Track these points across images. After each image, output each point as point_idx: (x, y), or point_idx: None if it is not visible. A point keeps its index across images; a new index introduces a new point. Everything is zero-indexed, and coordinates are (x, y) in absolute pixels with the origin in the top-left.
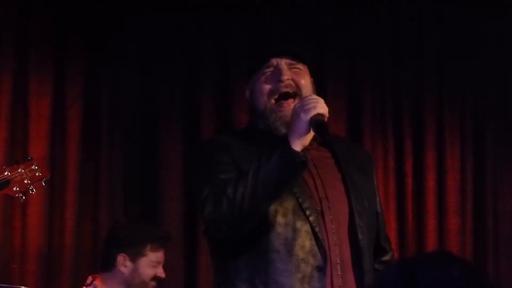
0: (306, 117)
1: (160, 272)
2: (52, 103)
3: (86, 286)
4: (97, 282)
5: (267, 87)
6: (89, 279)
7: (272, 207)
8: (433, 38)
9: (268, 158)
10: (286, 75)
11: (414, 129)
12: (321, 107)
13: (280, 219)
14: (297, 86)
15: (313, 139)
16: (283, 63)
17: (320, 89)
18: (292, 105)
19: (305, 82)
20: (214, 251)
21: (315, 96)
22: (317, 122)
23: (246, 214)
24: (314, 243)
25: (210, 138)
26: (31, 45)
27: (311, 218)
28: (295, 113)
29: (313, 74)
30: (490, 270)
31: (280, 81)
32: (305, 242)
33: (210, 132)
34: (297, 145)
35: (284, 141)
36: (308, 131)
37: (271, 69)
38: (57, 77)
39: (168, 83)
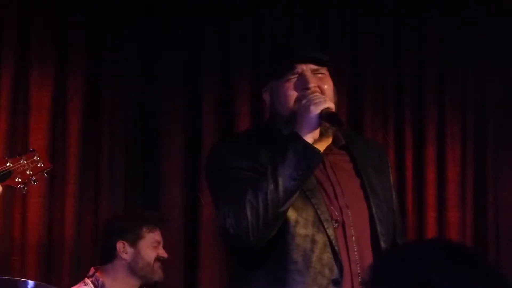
0: (316, 111)
1: (162, 252)
2: (53, 95)
3: (88, 278)
4: (98, 275)
5: (294, 94)
6: (92, 270)
7: (293, 218)
8: (435, 30)
9: (282, 157)
10: (313, 83)
11: (415, 121)
12: (329, 102)
13: (300, 230)
14: (322, 92)
15: (332, 143)
16: (308, 69)
17: None
18: None
19: (328, 87)
20: (233, 259)
21: (319, 93)
22: (328, 114)
23: (272, 217)
24: (331, 256)
25: (228, 141)
26: (32, 37)
27: (329, 231)
28: (304, 107)
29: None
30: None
31: (307, 88)
32: (322, 254)
33: (212, 123)
34: (309, 138)
35: (295, 135)
36: (319, 125)
37: (296, 75)
38: (58, 69)
39: (170, 75)
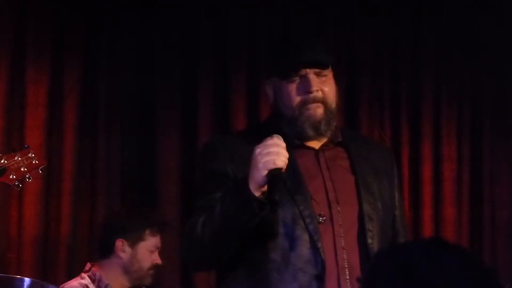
0: (264, 171)
1: (157, 259)
2: (49, 92)
3: (84, 273)
4: (95, 269)
5: (297, 97)
6: (88, 265)
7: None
8: (431, 27)
9: (230, 200)
10: (315, 86)
11: (411, 118)
12: (280, 160)
13: (278, 229)
14: (323, 94)
15: (329, 140)
16: (312, 72)
17: None
18: (318, 108)
19: (330, 89)
20: None
21: (276, 143)
22: (273, 177)
23: (217, 252)
24: (312, 251)
25: (220, 140)
26: (28, 33)
27: (310, 227)
28: (256, 161)
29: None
30: (486, 260)
31: (310, 92)
32: (303, 251)
33: (208, 120)
34: (256, 191)
35: (243, 186)
36: (266, 183)
37: (299, 77)
38: (54, 66)
39: (166, 72)
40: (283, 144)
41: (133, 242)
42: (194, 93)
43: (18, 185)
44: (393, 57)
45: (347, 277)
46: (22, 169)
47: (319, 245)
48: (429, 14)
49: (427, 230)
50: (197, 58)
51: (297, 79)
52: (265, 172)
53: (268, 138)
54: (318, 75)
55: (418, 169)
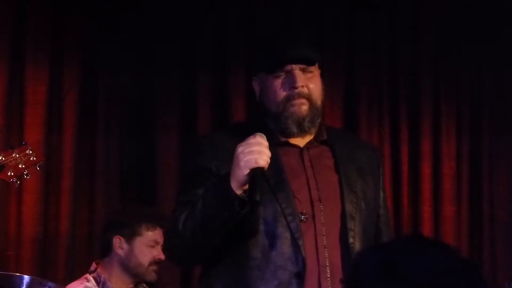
0: (246, 170)
1: (158, 254)
2: (49, 89)
3: (90, 274)
4: (100, 270)
5: (282, 93)
6: (93, 265)
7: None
8: (430, 25)
9: (211, 197)
10: (300, 82)
11: (410, 116)
12: (262, 159)
13: (259, 227)
14: (309, 91)
15: (315, 138)
16: (297, 68)
17: None
18: (303, 105)
19: (315, 86)
20: None
21: (259, 142)
22: (254, 176)
23: (198, 248)
24: (293, 249)
25: (207, 138)
26: (27, 31)
27: (292, 225)
28: (238, 159)
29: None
30: (486, 257)
31: (295, 87)
32: (284, 249)
33: (207, 120)
34: (237, 189)
35: (225, 183)
36: (247, 181)
37: (284, 73)
38: (53, 63)
39: (165, 69)
40: (266, 143)
41: (130, 238)
42: (193, 93)
43: (16, 181)
44: (392, 56)
45: (328, 276)
46: (20, 166)
47: (300, 243)
48: (427, 12)
49: (426, 228)
50: (196, 57)
51: (283, 75)
52: (246, 171)
53: (251, 136)
54: (304, 71)
55: (418, 167)
